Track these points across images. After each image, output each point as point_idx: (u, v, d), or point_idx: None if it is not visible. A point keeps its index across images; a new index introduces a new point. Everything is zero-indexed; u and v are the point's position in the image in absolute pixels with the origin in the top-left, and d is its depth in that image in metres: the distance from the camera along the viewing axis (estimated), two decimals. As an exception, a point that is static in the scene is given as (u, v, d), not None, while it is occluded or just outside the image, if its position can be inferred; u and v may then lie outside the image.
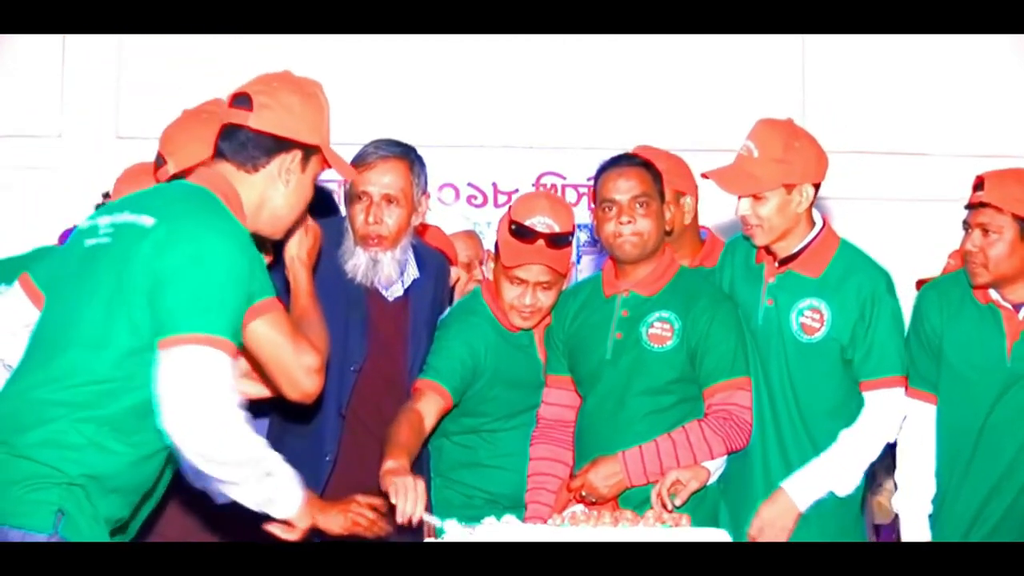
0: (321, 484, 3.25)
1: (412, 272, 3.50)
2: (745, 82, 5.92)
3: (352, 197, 3.42)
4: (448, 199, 5.90)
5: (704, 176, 3.46)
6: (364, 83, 5.78)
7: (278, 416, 3.31)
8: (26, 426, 2.40)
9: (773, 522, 3.31)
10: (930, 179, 5.84)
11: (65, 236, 3.61)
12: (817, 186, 3.38)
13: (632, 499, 3.30)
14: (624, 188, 3.41)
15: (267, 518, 2.65)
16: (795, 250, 3.39)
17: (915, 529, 3.50)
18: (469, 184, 5.93)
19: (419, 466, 3.33)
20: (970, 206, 3.44)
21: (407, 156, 3.44)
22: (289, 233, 2.89)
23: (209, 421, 2.39)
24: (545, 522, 3.12)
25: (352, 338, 3.38)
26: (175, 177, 3.02)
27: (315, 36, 5.57)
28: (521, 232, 3.41)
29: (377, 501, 2.88)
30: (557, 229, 3.42)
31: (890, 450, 3.49)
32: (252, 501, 2.57)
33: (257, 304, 2.55)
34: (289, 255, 3.04)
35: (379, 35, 5.68)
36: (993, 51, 5.93)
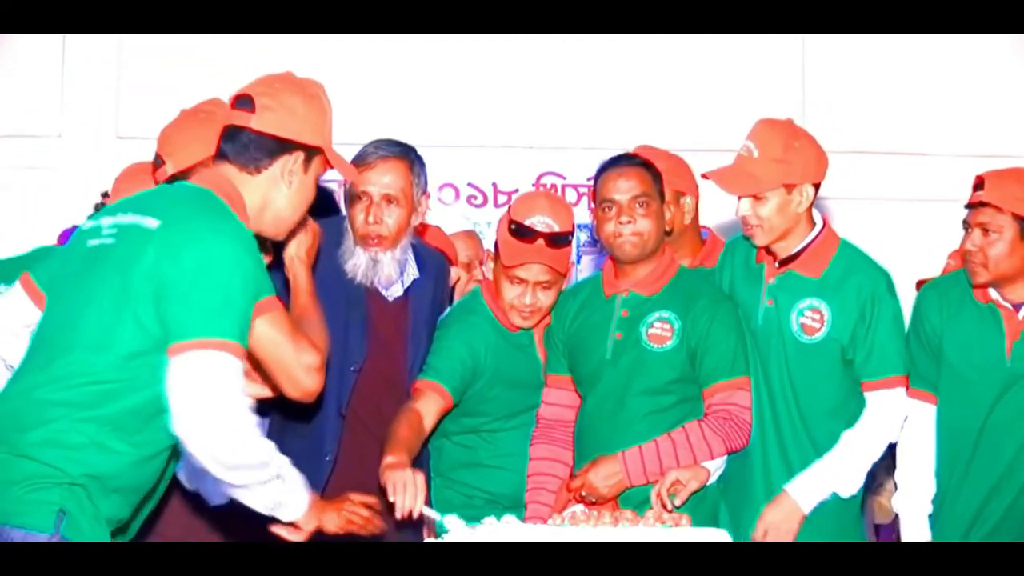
0: (321, 484, 3.25)
1: (412, 272, 3.50)
2: (745, 82, 5.92)
3: (352, 197, 3.42)
4: (448, 199, 5.90)
5: (704, 176, 3.46)
6: (364, 83, 5.78)
7: (278, 416, 3.31)
8: (28, 425, 2.40)
9: (778, 525, 3.31)
10: (930, 179, 5.84)
11: (64, 236, 3.61)
12: (817, 186, 3.38)
13: (632, 499, 3.30)
14: (624, 188, 3.41)
15: (267, 519, 2.65)
16: (795, 250, 3.39)
17: (915, 529, 3.50)
18: (469, 184, 5.93)
19: (419, 466, 3.32)
20: (970, 205, 3.44)
21: (407, 156, 3.44)
22: (292, 234, 2.89)
23: (223, 426, 2.40)
24: (545, 522, 3.12)
25: (352, 338, 3.38)
26: (174, 177, 3.02)
27: (315, 36, 5.57)
28: (521, 232, 3.41)
29: (371, 499, 2.88)
30: (557, 229, 3.42)
31: (890, 450, 3.49)
32: (261, 505, 2.58)
33: (257, 303, 2.55)
34: (288, 254, 3.05)
35: (379, 35, 5.68)
36: (993, 51, 5.93)
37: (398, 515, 2.97)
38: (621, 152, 3.58)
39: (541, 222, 3.41)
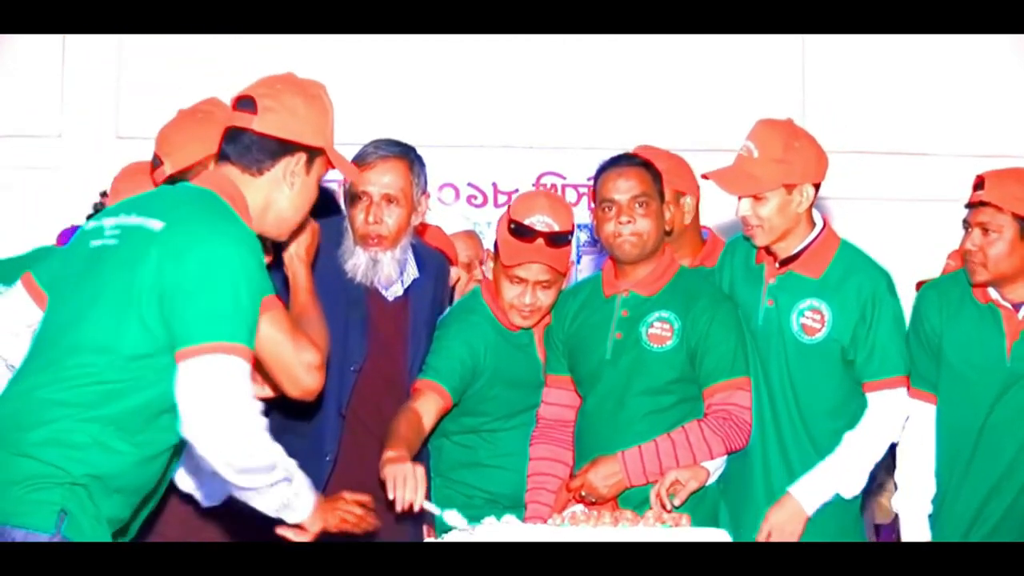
0: (321, 484, 3.24)
1: (412, 272, 3.50)
2: (745, 82, 5.92)
3: (352, 197, 3.42)
4: (448, 199, 5.90)
5: (704, 177, 3.46)
6: (364, 83, 5.78)
7: (278, 415, 3.31)
8: (30, 425, 2.40)
9: (782, 527, 3.31)
10: (930, 179, 5.84)
11: (63, 236, 3.61)
12: (817, 186, 3.38)
13: (632, 499, 3.30)
14: (624, 188, 3.41)
15: (266, 519, 2.65)
16: (795, 251, 3.39)
17: (915, 529, 3.50)
18: (469, 184, 5.93)
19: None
20: (970, 205, 3.44)
21: (407, 156, 3.44)
22: (294, 235, 2.89)
23: (235, 430, 2.40)
24: (545, 522, 3.12)
25: (352, 338, 3.38)
26: (172, 177, 3.02)
27: (315, 36, 5.58)
28: (520, 231, 3.41)
29: (365, 498, 2.87)
30: (556, 228, 3.42)
31: (890, 450, 3.49)
32: (270, 507, 2.58)
33: None
34: (288, 253, 3.05)
35: (379, 35, 5.68)
36: (993, 51, 5.93)
37: (398, 508, 2.97)
38: (621, 152, 3.58)
39: (541, 221, 3.41)
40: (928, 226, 5.50)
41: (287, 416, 3.28)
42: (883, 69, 5.98)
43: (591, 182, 3.59)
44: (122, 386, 2.43)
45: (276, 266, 3.02)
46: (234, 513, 2.96)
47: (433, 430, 3.41)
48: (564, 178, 5.89)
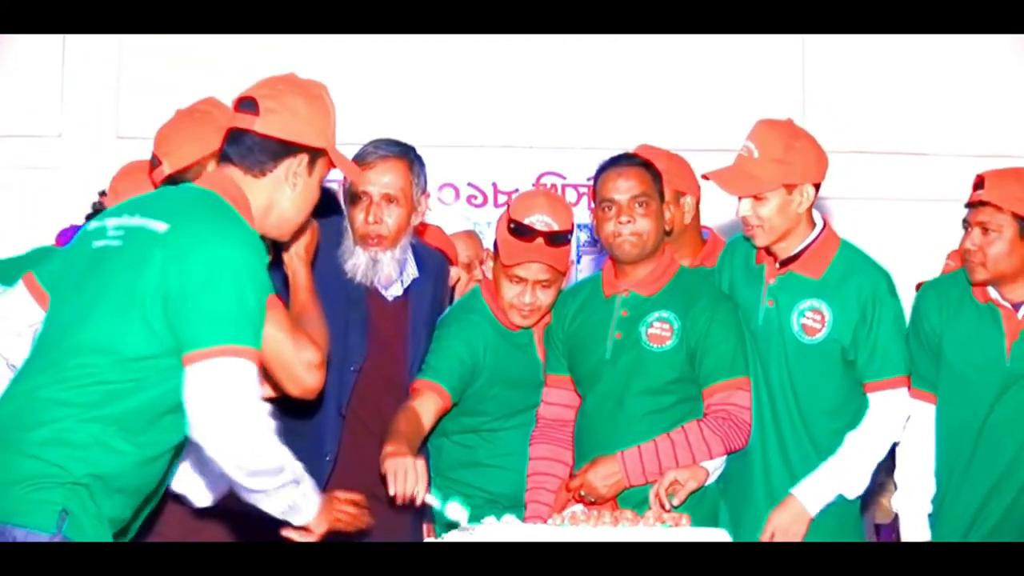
0: (321, 484, 3.23)
1: (411, 272, 3.51)
2: (745, 82, 5.92)
3: (352, 197, 3.42)
4: (448, 199, 5.90)
5: (704, 177, 3.46)
6: (364, 83, 5.78)
7: (278, 416, 3.31)
8: (32, 424, 2.40)
9: (786, 528, 3.31)
10: (930, 179, 5.84)
11: (63, 236, 3.60)
12: (817, 186, 3.38)
13: (631, 499, 3.29)
14: (623, 188, 3.41)
15: (265, 519, 2.65)
16: (796, 251, 3.39)
17: (915, 529, 3.50)
18: (469, 184, 5.93)
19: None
20: (970, 204, 3.44)
21: (406, 156, 3.44)
22: (296, 235, 2.89)
23: (245, 434, 2.40)
24: (545, 522, 3.12)
25: (352, 338, 3.38)
26: (170, 177, 3.02)
27: (315, 36, 5.58)
28: (520, 230, 3.41)
29: (357, 497, 2.87)
30: (556, 227, 3.42)
31: (890, 450, 3.49)
32: (277, 509, 2.58)
33: None
34: (287, 252, 3.05)
35: (379, 35, 5.68)
36: (993, 51, 5.93)
37: (399, 501, 2.98)
38: (621, 152, 3.58)
39: (540, 221, 3.41)
40: (928, 226, 5.50)
41: (287, 416, 3.28)
42: (883, 69, 5.98)
43: (591, 182, 3.59)
44: (125, 386, 2.43)
45: (276, 265, 3.02)
46: (234, 513, 2.97)
47: (433, 430, 3.41)
48: (564, 178, 5.89)
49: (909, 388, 3.41)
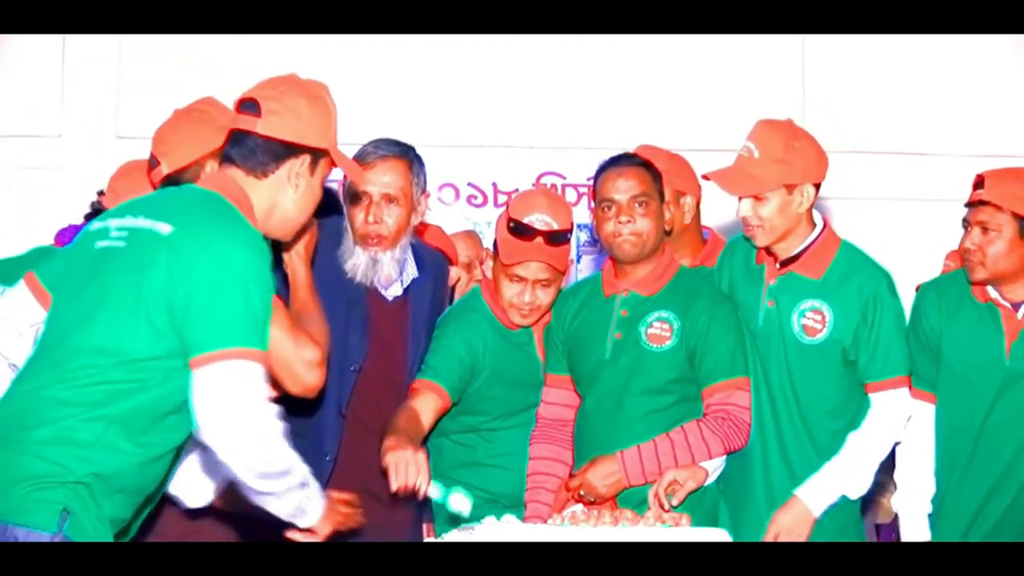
0: (321, 484, 3.22)
1: (411, 271, 3.51)
2: (745, 82, 5.92)
3: (352, 197, 3.42)
4: (448, 199, 5.90)
5: (705, 177, 3.46)
6: (364, 83, 5.78)
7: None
8: (34, 424, 2.40)
9: (790, 529, 3.31)
10: (930, 179, 5.84)
11: (61, 235, 3.60)
12: (818, 186, 3.38)
13: (630, 499, 3.29)
14: (623, 188, 3.41)
15: (267, 519, 2.65)
16: (796, 251, 3.39)
17: (915, 529, 3.50)
18: (469, 184, 5.93)
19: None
20: (970, 204, 3.44)
21: (406, 155, 3.44)
22: (298, 235, 2.89)
23: (255, 436, 2.41)
24: (545, 522, 3.12)
25: (352, 338, 3.38)
26: (169, 177, 3.01)
27: (315, 36, 5.58)
28: (519, 230, 3.42)
29: (350, 496, 2.88)
30: (555, 226, 3.42)
31: (891, 450, 3.49)
32: (285, 512, 2.59)
33: None
34: (287, 251, 3.05)
35: (379, 35, 5.68)
36: (993, 51, 5.93)
37: (400, 493, 2.98)
38: (621, 152, 3.58)
39: (540, 220, 3.41)
40: (928, 226, 5.50)
41: (287, 416, 3.28)
42: (883, 69, 5.98)
43: (591, 182, 3.59)
44: (128, 386, 2.43)
45: (275, 264, 3.01)
46: (234, 513, 2.96)
47: (432, 429, 3.41)
48: (564, 178, 5.89)
49: (910, 388, 3.41)
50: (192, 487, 2.89)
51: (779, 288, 3.40)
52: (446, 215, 5.52)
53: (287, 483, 2.51)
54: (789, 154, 3.31)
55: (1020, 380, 3.40)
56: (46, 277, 2.68)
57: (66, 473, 2.37)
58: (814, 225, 3.41)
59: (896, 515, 3.64)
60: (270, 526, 2.71)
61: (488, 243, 3.94)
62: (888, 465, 3.56)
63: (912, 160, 5.94)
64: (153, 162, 3.09)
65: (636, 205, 3.40)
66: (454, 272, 4.03)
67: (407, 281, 3.50)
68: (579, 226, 5.13)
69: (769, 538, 3.32)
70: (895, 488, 3.58)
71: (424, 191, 3.48)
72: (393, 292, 3.48)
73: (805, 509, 3.32)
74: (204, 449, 2.69)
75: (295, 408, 3.00)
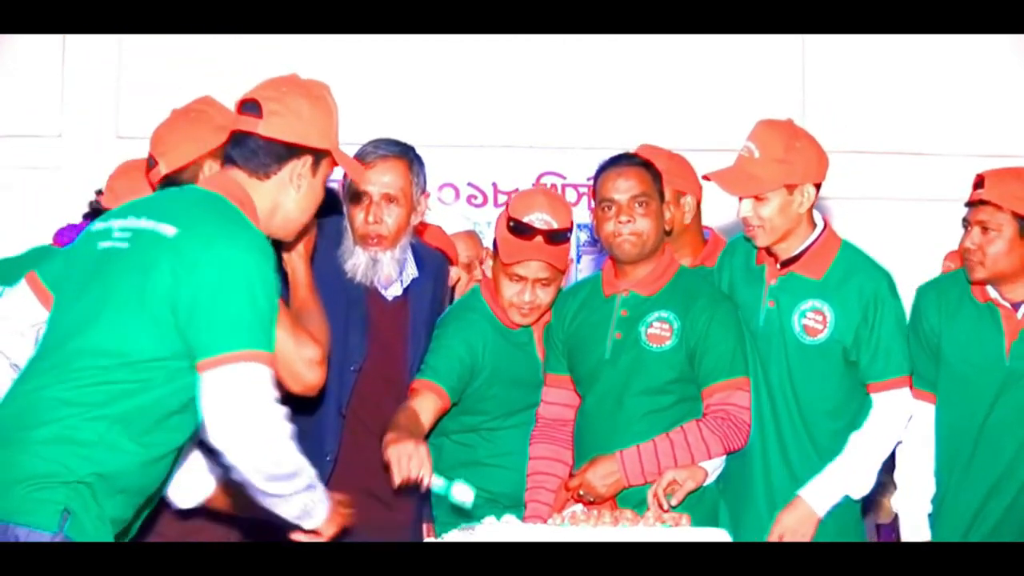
0: (322, 484, 3.24)
1: (411, 271, 3.51)
2: (745, 82, 5.92)
3: (352, 196, 3.42)
4: (448, 199, 5.90)
5: (705, 178, 3.46)
6: (364, 83, 5.77)
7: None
8: (36, 423, 2.40)
9: (795, 530, 3.32)
10: (930, 179, 5.84)
11: (60, 235, 3.60)
12: (818, 186, 3.38)
13: (630, 499, 3.29)
14: (623, 188, 3.41)
15: (267, 520, 2.65)
16: (797, 252, 3.39)
17: (915, 529, 3.50)
18: (469, 184, 5.93)
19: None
20: (970, 203, 3.45)
21: (406, 155, 3.44)
22: (300, 235, 2.89)
23: (264, 439, 2.41)
24: (545, 521, 3.12)
25: (352, 338, 3.38)
26: (167, 177, 3.01)
27: (315, 36, 5.57)
28: (519, 229, 3.42)
29: (343, 496, 2.88)
30: (555, 225, 3.42)
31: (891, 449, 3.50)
32: (292, 514, 2.59)
33: None
34: (287, 250, 3.05)
35: (379, 35, 5.68)
36: (993, 51, 5.93)
37: (403, 484, 2.98)
38: (621, 152, 3.58)
39: (539, 219, 3.41)
40: (928, 226, 5.50)
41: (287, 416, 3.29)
42: (883, 69, 5.98)
43: (591, 182, 3.59)
44: (132, 386, 2.43)
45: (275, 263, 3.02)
46: (233, 514, 2.96)
47: (432, 429, 3.40)
48: (564, 178, 5.89)
49: (911, 388, 3.41)
50: (182, 488, 2.88)
51: (780, 288, 3.40)
52: (446, 215, 5.52)
53: (295, 485, 2.52)
54: (790, 154, 3.31)
55: (1020, 380, 3.40)
56: (48, 277, 2.67)
57: (67, 473, 2.37)
58: (815, 225, 3.41)
59: (896, 515, 3.64)
60: (270, 527, 2.71)
61: (488, 243, 3.94)
62: (889, 465, 3.57)
63: (912, 160, 5.94)
64: (151, 162, 3.09)
65: (636, 205, 3.40)
66: (454, 272, 4.03)
67: (407, 281, 3.50)
68: (579, 226, 5.14)
69: (774, 538, 3.32)
70: (895, 488, 3.58)
71: (424, 191, 3.48)
72: (393, 292, 3.48)
73: (809, 510, 3.32)
74: (194, 450, 2.70)
75: (295, 408, 3.00)
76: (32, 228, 5.14)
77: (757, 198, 3.32)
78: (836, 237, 3.44)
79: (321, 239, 3.22)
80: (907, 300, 3.50)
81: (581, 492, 3.33)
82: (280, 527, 2.69)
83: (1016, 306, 3.43)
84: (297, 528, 2.66)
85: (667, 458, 3.30)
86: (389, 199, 3.39)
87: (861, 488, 3.36)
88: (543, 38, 5.81)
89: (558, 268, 3.46)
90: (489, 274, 3.58)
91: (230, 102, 2.85)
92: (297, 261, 3.07)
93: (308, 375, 2.76)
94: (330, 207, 3.39)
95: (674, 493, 3.25)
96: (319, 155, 2.71)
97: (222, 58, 5.65)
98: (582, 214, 5.36)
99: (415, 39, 5.75)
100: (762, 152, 3.32)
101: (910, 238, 5.57)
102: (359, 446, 3.37)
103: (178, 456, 2.60)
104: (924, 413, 3.48)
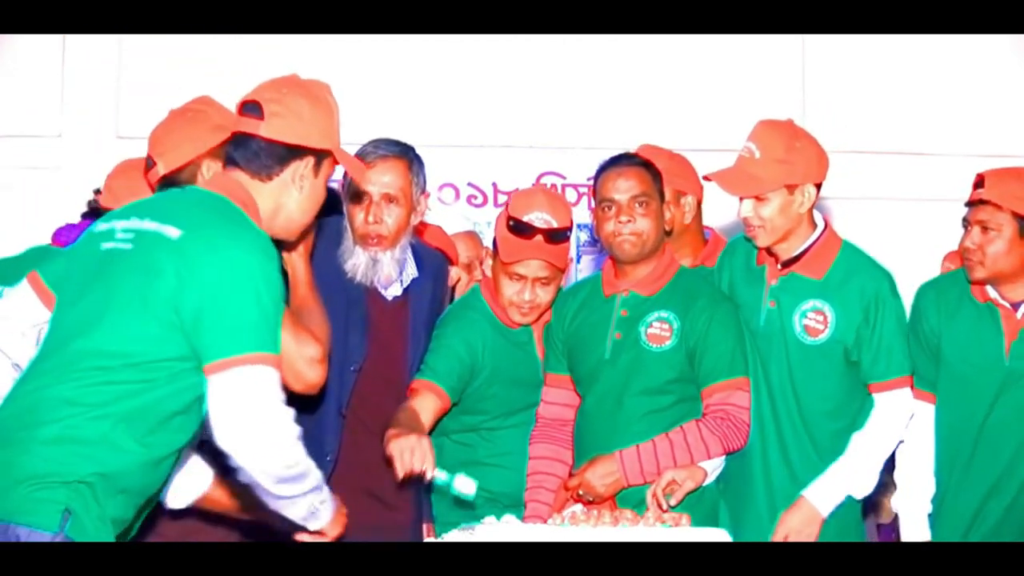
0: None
1: (411, 271, 3.51)
2: (745, 82, 5.92)
3: (352, 196, 3.42)
4: (448, 199, 5.90)
5: (706, 178, 3.46)
6: (364, 83, 5.77)
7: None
8: (39, 423, 2.39)
9: (799, 530, 3.32)
10: (930, 179, 5.84)
11: (59, 235, 3.59)
12: (819, 186, 3.38)
13: (630, 499, 3.29)
14: (623, 188, 3.41)
15: (263, 519, 2.65)
16: (797, 252, 3.39)
17: (915, 529, 3.50)
18: (469, 184, 5.93)
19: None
20: (970, 203, 3.45)
21: (406, 155, 3.44)
22: (302, 236, 2.89)
23: (272, 441, 2.42)
24: (545, 521, 3.12)
25: (352, 338, 3.38)
26: (165, 177, 3.01)
27: (315, 36, 5.57)
28: (519, 228, 3.42)
29: (339, 499, 2.88)
30: (555, 224, 3.42)
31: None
32: (299, 515, 2.60)
33: None
34: (287, 250, 3.05)
35: (379, 35, 5.68)
36: (993, 51, 5.93)
37: (405, 476, 2.98)
38: (621, 152, 3.58)
39: (539, 218, 3.41)
40: (928, 226, 5.50)
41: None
42: (883, 69, 5.98)
43: (591, 182, 3.59)
44: (135, 386, 2.43)
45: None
46: (232, 514, 2.96)
47: (432, 429, 3.40)
48: (564, 178, 5.89)
49: (912, 387, 3.41)
50: (174, 488, 2.88)
51: (780, 288, 3.40)
52: (446, 215, 5.52)
53: (304, 487, 2.52)
54: (790, 154, 3.31)
55: (1020, 380, 3.40)
56: (50, 277, 2.67)
57: (68, 472, 2.37)
58: (815, 225, 3.41)
59: (896, 515, 3.64)
60: (269, 527, 2.70)
61: (488, 243, 3.94)
62: (889, 465, 3.57)
63: (912, 160, 5.94)
64: (150, 163, 3.09)
65: (636, 205, 3.40)
66: (454, 272, 4.03)
67: (407, 281, 3.50)
68: (579, 226, 5.13)
69: (778, 539, 3.32)
70: (896, 488, 3.58)
71: (424, 191, 3.48)
72: (393, 292, 3.48)
73: (813, 510, 3.32)
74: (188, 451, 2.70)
75: (295, 408, 3.00)
76: (32, 228, 5.13)
77: (758, 198, 3.32)
78: (837, 237, 3.44)
79: (321, 239, 3.22)
80: (907, 300, 3.50)
81: (581, 492, 3.33)
82: (279, 527, 2.69)
83: (1016, 306, 3.43)
84: (302, 529, 2.66)
85: (666, 458, 3.30)
86: (389, 199, 3.39)
87: (864, 488, 3.37)
88: (543, 38, 5.81)
89: (558, 267, 3.46)
90: (489, 274, 3.58)
91: (230, 102, 2.85)
92: (297, 260, 3.08)
93: (309, 374, 2.76)
94: (330, 207, 3.39)
95: (673, 493, 3.25)
96: (321, 155, 2.71)
97: (222, 58, 5.64)
98: (582, 214, 5.36)
99: (415, 39, 5.75)
100: (762, 152, 3.32)
101: (910, 238, 5.56)
102: (359, 446, 3.37)
103: (178, 458, 2.60)
104: (924, 413, 3.48)
